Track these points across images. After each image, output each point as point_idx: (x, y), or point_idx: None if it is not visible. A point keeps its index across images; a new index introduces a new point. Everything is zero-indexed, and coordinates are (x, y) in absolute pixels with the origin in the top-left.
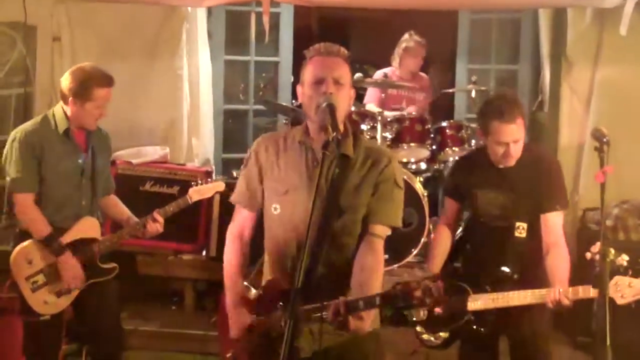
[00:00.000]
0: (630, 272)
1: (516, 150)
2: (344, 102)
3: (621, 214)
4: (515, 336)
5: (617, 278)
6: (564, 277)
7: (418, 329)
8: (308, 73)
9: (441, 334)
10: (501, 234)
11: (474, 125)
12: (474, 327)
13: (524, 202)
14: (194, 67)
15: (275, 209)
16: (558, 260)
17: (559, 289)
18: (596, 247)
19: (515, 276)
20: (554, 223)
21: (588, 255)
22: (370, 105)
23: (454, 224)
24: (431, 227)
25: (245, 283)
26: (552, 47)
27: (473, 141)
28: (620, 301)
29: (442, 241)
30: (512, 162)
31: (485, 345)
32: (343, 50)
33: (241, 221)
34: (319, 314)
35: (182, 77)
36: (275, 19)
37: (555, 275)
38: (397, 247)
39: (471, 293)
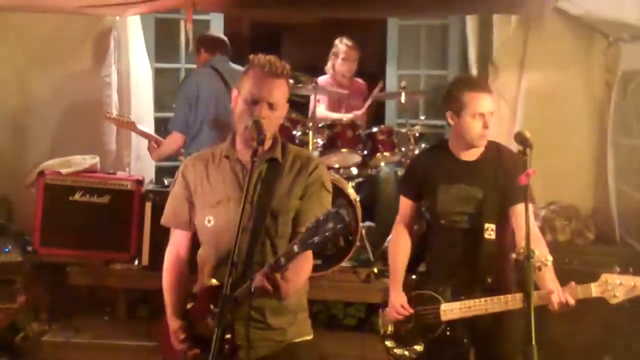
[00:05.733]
0: (618, 270)
1: (491, 126)
2: (276, 124)
3: (548, 215)
4: (486, 347)
5: (605, 276)
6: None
7: (388, 344)
8: (246, 87)
9: (416, 347)
10: (470, 236)
11: (404, 130)
12: (449, 336)
13: (491, 196)
14: (124, 75)
15: (209, 221)
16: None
17: (559, 291)
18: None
19: (489, 280)
20: (524, 214)
21: (513, 256)
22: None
23: (410, 224)
24: (363, 232)
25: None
26: (479, 52)
27: (403, 147)
28: (613, 300)
29: (401, 246)
30: (485, 142)
31: (461, 355)
32: (287, 68)
33: (176, 242)
34: (248, 292)
35: (111, 84)
36: (205, 27)
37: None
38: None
39: (443, 302)
